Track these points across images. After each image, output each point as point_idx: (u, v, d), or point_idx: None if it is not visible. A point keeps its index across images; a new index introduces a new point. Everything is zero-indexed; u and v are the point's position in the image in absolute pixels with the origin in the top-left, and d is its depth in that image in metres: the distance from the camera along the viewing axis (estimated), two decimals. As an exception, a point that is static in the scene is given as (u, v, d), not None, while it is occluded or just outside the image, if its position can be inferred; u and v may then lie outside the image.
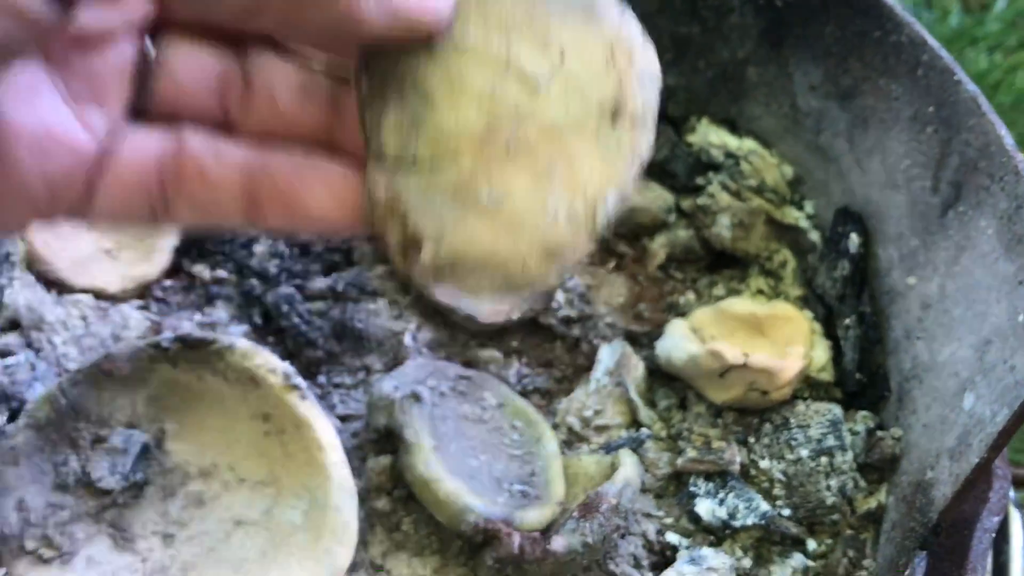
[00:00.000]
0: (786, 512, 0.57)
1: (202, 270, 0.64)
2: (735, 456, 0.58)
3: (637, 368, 0.63)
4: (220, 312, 0.62)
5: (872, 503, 0.58)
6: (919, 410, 0.57)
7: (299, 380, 0.52)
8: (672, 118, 0.72)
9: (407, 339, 0.62)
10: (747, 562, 0.55)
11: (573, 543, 0.50)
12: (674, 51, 0.71)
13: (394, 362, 0.61)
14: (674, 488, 0.59)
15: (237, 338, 0.53)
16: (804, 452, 0.58)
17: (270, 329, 0.62)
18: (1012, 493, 0.58)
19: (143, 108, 0.31)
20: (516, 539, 0.50)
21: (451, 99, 0.30)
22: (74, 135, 0.29)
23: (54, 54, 0.29)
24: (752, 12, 0.67)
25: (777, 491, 0.58)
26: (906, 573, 0.50)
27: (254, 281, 0.63)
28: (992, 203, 0.52)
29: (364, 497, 0.54)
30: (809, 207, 0.68)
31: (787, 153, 0.69)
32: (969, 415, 0.50)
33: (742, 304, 0.63)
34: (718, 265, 0.70)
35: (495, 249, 0.31)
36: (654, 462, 0.59)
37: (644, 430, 0.60)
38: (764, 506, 0.56)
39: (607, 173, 0.31)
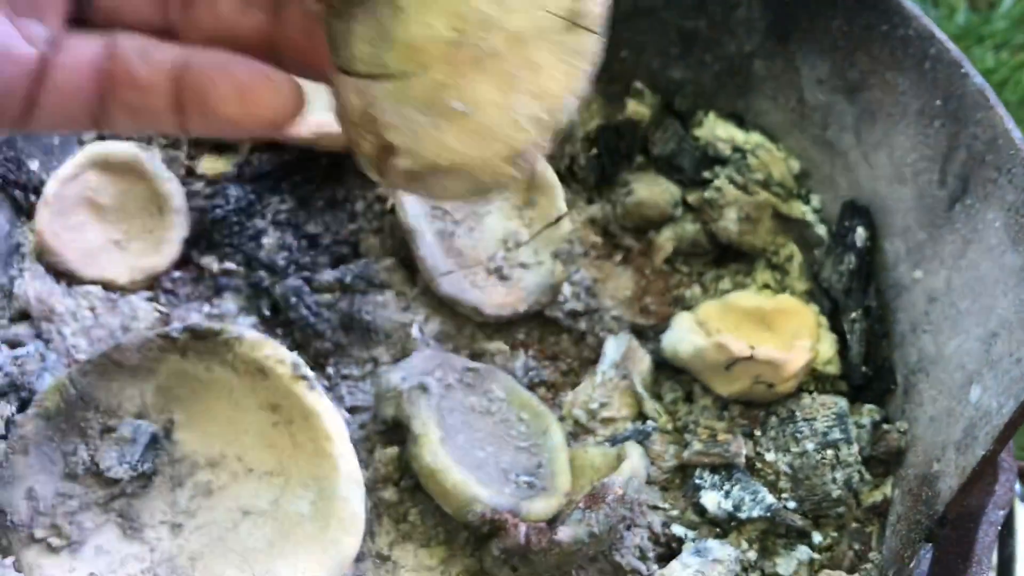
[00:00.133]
0: (792, 505, 0.57)
1: (211, 262, 0.64)
2: (741, 449, 0.58)
3: (643, 361, 0.63)
4: (229, 303, 0.63)
5: (878, 496, 0.58)
6: (925, 403, 0.57)
7: (307, 371, 0.52)
8: (679, 112, 0.72)
9: (414, 331, 0.62)
10: (752, 554, 0.56)
11: (579, 533, 0.50)
12: (681, 45, 0.71)
13: (402, 354, 0.61)
14: (680, 480, 0.59)
15: (246, 329, 0.53)
16: (810, 445, 0.58)
17: (278, 321, 0.62)
18: (1018, 486, 0.58)
19: (84, 18, 0.32)
20: (522, 529, 0.50)
21: (420, 9, 0.31)
22: (16, 46, 0.30)
23: None
24: (759, 6, 0.67)
25: (783, 484, 0.58)
26: (911, 566, 0.50)
27: (262, 273, 0.63)
28: (999, 196, 0.52)
29: (371, 487, 0.55)
30: (816, 201, 0.68)
31: (794, 147, 0.69)
32: (975, 408, 0.50)
33: (748, 297, 0.63)
34: (724, 259, 0.70)
35: (466, 155, 0.32)
36: (660, 454, 0.59)
37: (650, 422, 0.60)
38: (770, 498, 0.56)
39: (567, 78, 0.32)
